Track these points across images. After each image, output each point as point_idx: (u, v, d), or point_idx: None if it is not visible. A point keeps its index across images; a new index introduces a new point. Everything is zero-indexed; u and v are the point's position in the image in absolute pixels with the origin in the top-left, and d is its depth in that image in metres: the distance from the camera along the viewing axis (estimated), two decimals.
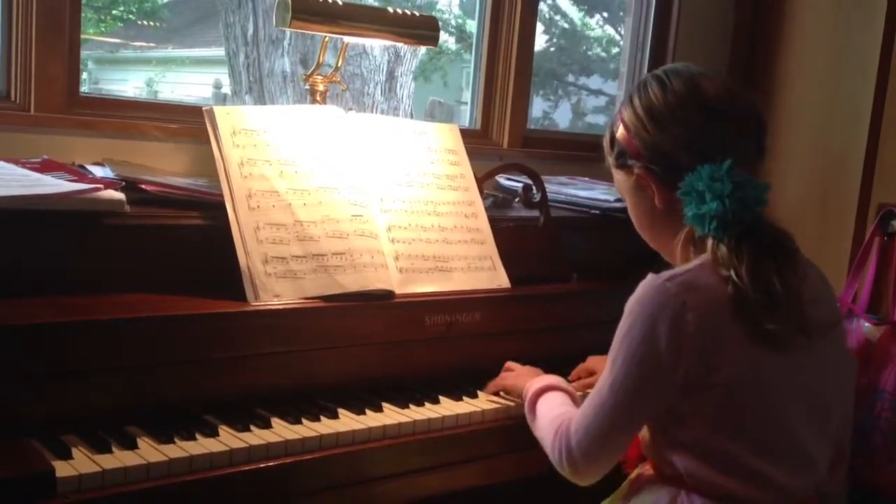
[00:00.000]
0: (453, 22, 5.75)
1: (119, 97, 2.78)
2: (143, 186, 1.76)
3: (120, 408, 1.49)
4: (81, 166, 1.92)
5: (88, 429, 1.43)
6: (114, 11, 6.03)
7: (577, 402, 1.58)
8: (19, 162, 1.78)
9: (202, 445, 1.44)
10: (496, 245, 2.03)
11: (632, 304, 1.40)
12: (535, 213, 2.18)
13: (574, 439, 1.43)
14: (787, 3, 3.04)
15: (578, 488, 1.48)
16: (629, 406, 1.39)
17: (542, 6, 4.07)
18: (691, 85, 1.45)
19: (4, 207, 1.48)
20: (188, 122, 2.14)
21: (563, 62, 6.58)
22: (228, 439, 1.48)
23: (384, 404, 1.70)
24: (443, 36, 2.47)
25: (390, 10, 2.11)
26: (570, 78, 6.47)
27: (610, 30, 6.36)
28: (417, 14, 2.14)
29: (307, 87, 2.08)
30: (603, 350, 1.50)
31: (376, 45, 3.30)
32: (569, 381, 1.89)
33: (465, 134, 2.23)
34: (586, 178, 2.72)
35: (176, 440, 1.45)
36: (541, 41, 5.74)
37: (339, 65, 2.14)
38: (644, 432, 1.48)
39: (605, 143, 1.57)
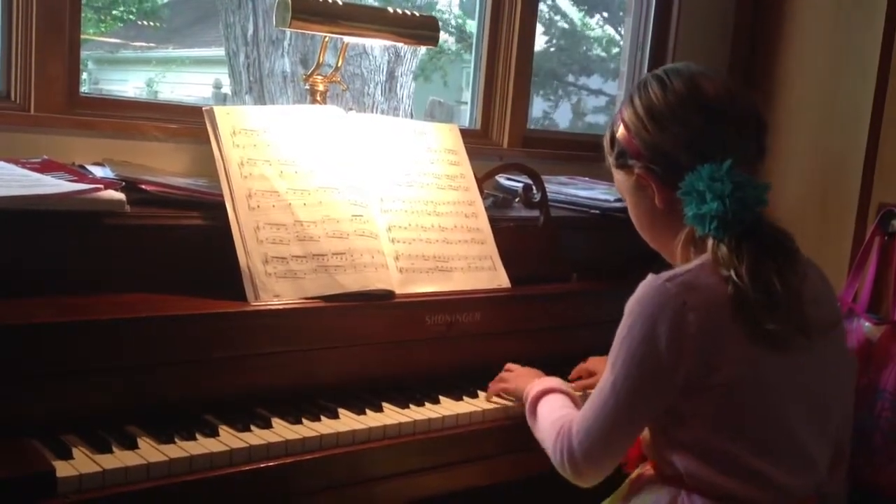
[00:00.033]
0: (453, 22, 5.75)
1: (119, 97, 2.78)
2: (144, 186, 1.76)
3: (120, 408, 1.49)
4: (81, 166, 1.92)
5: (89, 429, 1.43)
6: (114, 11, 6.03)
7: (577, 404, 1.58)
8: (19, 162, 1.78)
9: (202, 445, 1.44)
10: (496, 245, 2.03)
11: (632, 304, 1.40)
12: (535, 212, 2.18)
13: (576, 440, 1.43)
14: (788, 3, 3.04)
15: (579, 488, 1.48)
16: (630, 406, 1.39)
17: (542, 6, 4.07)
18: (691, 85, 1.45)
19: (4, 207, 1.48)
20: (188, 123, 2.14)
21: (564, 62, 6.58)
22: (229, 439, 1.48)
23: (384, 404, 1.70)
24: (443, 36, 2.47)
25: (390, 10, 2.11)
26: (570, 78, 6.47)
27: (610, 30, 6.36)
28: (417, 14, 2.14)
29: (307, 87, 2.08)
30: (603, 350, 1.50)
31: (376, 45, 3.31)
32: (569, 381, 1.90)
33: (465, 134, 2.23)
34: (586, 178, 2.72)
35: (176, 440, 1.45)
36: (541, 41, 5.75)
37: (340, 65, 2.14)
38: (644, 432, 1.48)
39: (606, 142, 1.57)
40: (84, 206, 1.58)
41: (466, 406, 1.76)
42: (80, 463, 1.33)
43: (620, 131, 1.51)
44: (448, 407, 1.75)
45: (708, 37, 3.16)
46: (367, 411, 1.66)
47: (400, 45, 2.74)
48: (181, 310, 1.56)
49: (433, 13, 3.06)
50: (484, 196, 2.12)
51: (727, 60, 3.17)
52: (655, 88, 1.46)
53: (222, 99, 4.24)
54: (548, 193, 2.21)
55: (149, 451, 1.40)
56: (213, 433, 1.49)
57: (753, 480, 1.38)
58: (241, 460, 1.45)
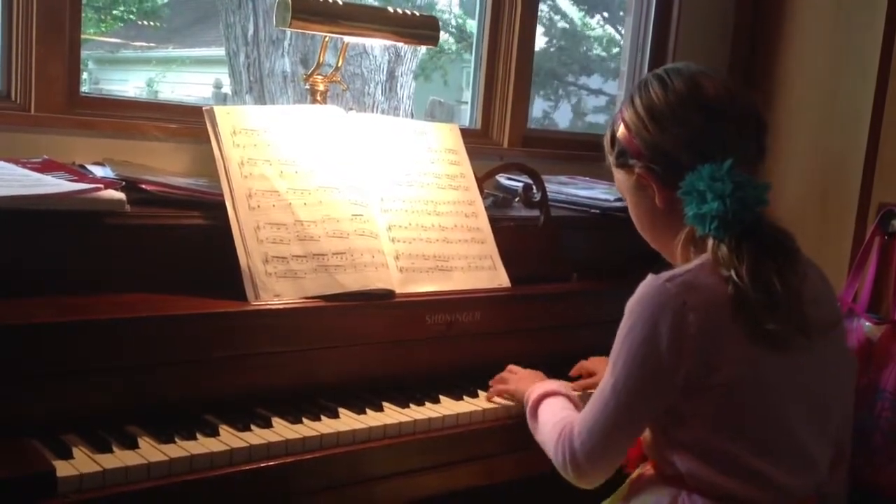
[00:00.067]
0: (453, 21, 5.75)
1: (119, 97, 2.78)
2: (144, 186, 1.76)
3: (120, 407, 1.49)
4: (82, 166, 1.92)
5: (89, 428, 1.43)
6: (114, 11, 6.03)
7: (578, 407, 1.58)
8: (20, 162, 1.78)
9: (203, 445, 1.44)
10: (496, 244, 2.03)
11: (632, 304, 1.40)
12: (536, 212, 2.18)
13: (577, 441, 1.42)
14: (788, 3, 3.04)
15: (579, 488, 1.48)
16: (631, 407, 1.39)
17: (543, 6, 4.07)
18: (692, 84, 1.45)
19: (5, 207, 1.48)
20: (188, 122, 2.14)
21: (564, 62, 6.58)
22: (229, 439, 1.48)
23: (385, 404, 1.70)
24: (443, 35, 2.47)
25: (390, 9, 2.11)
26: (571, 78, 6.47)
27: (610, 29, 6.36)
28: (418, 14, 2.14)
29: (307, 86, 2.08)
30: (603, 349, 1.50)
31: (377, 45, 3.30)
32: (569, 377, 1.90)
33: (466, 133, 2.23)
34: (586, 178, 2.72)
35: (176, 440, 1.45)
36: (541, 41, 5.74)
37: (340, 65, 2.14)
38: (645, 432, 1.48)
39: (606, 142, 1.57)
40: (84, 206, 1.58)
41: (467, 405, 1.76)
42: (81, 463, 1.33)
43: (621, 131, 1.51)
44: (448, 406, 1.75)
45: (708, 37, 3.16)
46: (368, 411, 1.66)
47: (400, 44, 2.74)
48: (181, 309, 1.56)
49: (433, 13, 3.06)
50: (484, 196, 2.12)
51: (727, 60, 3.17)
52: (656, 88, 1.46)
53: (222, 99, 4.24)
54: (548, 193, 2.21)
55: (149, 451, 1.40)
56: (214, 433, 1.49)
57: (754, 480, 1.38)
58: (241, 460, 1.45)
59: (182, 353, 1.54)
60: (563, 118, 6.38)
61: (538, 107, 5.96)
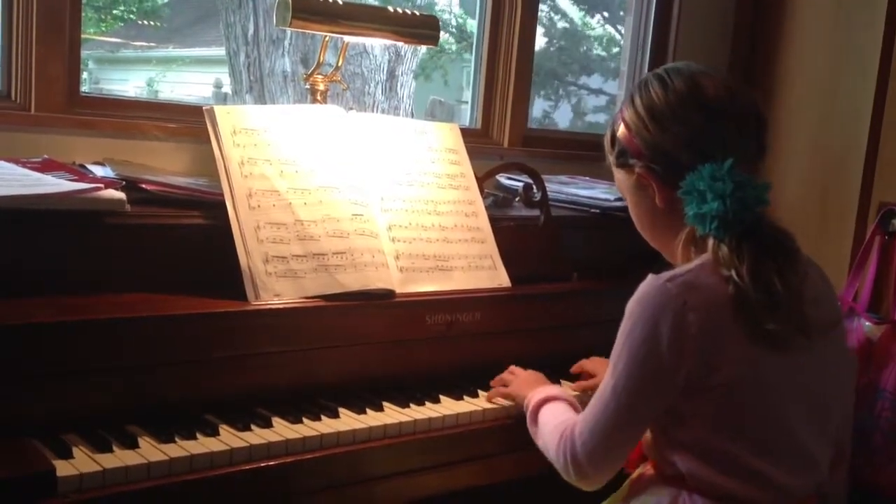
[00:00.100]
0: (454, 21, 5.75)
1: (119, 97, 2.78)
2: (144, 186, 1.76)
3: (120, 407, 1.49)
4: (82, 166, 1.92)
5: (89, 428, 1.43)
6: (114, 11, 6.03)
7: (578, 411, 1.57)
8: (20, 161, 1.78)
9: (203, 445, 1.44)
10: (497, 244, 2.02)
11: (632, 305, 1.39)
12: (536, 212, 2.18)
13: (579, 442, 1.42)
14: (788, 2, 3.04)
15: (579, 488, 1.48)
16: (632, 407, 1.39)
17: (542, 6, 4.07)
18: (692, 84, 1.45)
19: (5, 207, 1.48)
20: (189, 122, 2.14)
21: (564, 62, 6.58)
22: (229, 438, 1.48)
23: (385, 403, 1.70)
24: (443, 35, 2.47)
25: (391, 9, 2.11)
26: (571, 77, 6.47)
27: (610, 29, 6.36)
28: (418, 13, 2.14)
29: (308, 86, 2.08)
30: (604, 349, 1.50)
31: (377, 45, 3.31)
32: (570, 373, 1.89)
33: (466, 133, 2.23)
34: (587, 178, 2.72)
35: (177, 439, 1.45)
36: (541, 41, 5.74)
37: (340, 64, 2.14)
38: (645, 432, 1.48)
39: (606, 142, 1.57)
40: (84, 206, 1.58)
41: (467, 405, 1.76)
42: (81, 462, 1.33)
43: (621, 130, 1.51)
44: (448, 406, 1.75)
45: (708, 36, 3.16)
46: (368, 410, 1.66)
47: (400, 44, 2.74)
48: (181, 309, 1.56)
49: (433, 12, 3.06)
50: (484, 195, 2.11)
51: (727, 60, 3.17)
52: (656, 88, 1.46)
53: (223, 98, 4.24)
54: (548, 193, 2.21)
55: (149, 451, 1.40)
56: (214, 432, 1.49)
57: (754, 480, 1.38)
58: (241, 460, 1.45)
59: (182, 353, 1.54)
60: (563, 118, 6.38)
61: (538, 107, 5.96)
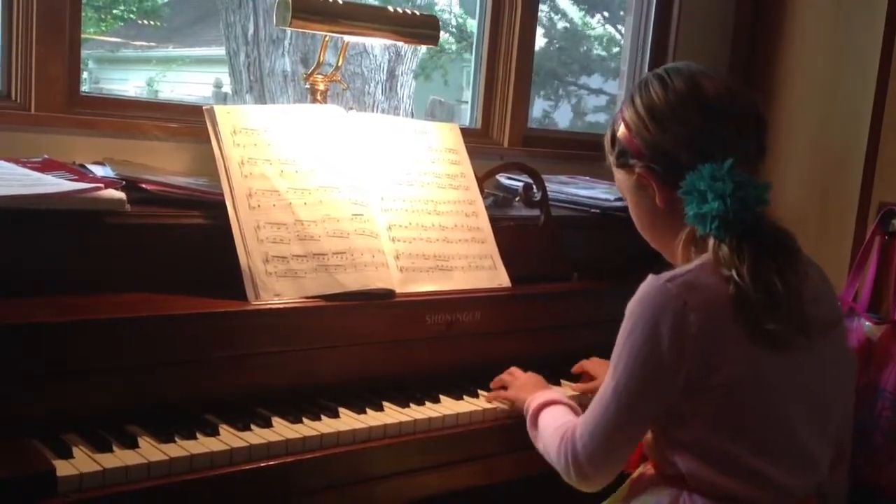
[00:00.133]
0: (454, 21, 5.75)
1: (119, 97, 2.79)
2: (144, 186, 1.76)
3: (120, 407, 1.49)
4: (82, 165, 1.92)
5: (89, 428, 1.43)
6: (114, 11, 6.03)
7: (578, 414, 1.57)
8: (20, 161, 1.78)
9: (203, 444, 1.44)
10: (497, 244, 2.02)
11: (633, 306, 1.39)
12: (536, 212, 2.18)
13: (580, 443, 1.42)
14: (788, 3, 3.04)
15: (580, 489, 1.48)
16: (632, 408, 1.39)
17: (543, 6, 4.07)
18: (692, 84, 1.45)
19: (5, 207, 1.48)
20: (189, 122, 2.14)
21: (564, 62, 6.58)
22: (229, 438, 1.48)
23: (385, 403, 1.70)
24: (443, 35, 2.47)
25: (391, 9, 2.11)
26: (571, 77, 6.47)
27: (610, 29, 6.36)
28: (418, 13, 2.14)
29: (308, 86, 2.08)
30: (604, 349, 1.50)
31: (377, 45, 3.30)
32: (570, 373, 1.89)
33: (466, 133, 2.23)
34: (587, 178, 2.72)
35: (176, 439, 1.45)
36: (541, 41, 5.74)
37: (340, 64, 2.14)
38: None
39: (606, 142, 1.57)
40: (84, 206, 1.58)
41: (467, 405, 1.76)
42: (81, 462, 1.33)
43: (621, 130, 1.51)
44: (448, 406, 1.75)
45: (708, 36, 3.16)
46: (368, 410, 1.66)
47: (400, 44, 2.74)
48: (181, 309, 1.56)
49: (433, 12, 3.06)
50: (484, 195, 2.11)
51: (727, 60, 3.17)
52: (656, 88, 1.46)
53: (223, 98, 4.24)
54: (548, 192, 2.21)
55: (149, 451, 1.40)
56: (214, 432, 1.49)
57: (754, 480, 1.38)
58: (241, 459, 1.45)
59: (182, 353, 1.54)
60: (563, 118, 6.38)
61: (538, 107, 5.96)
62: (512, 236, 2.07)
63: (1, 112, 1.94)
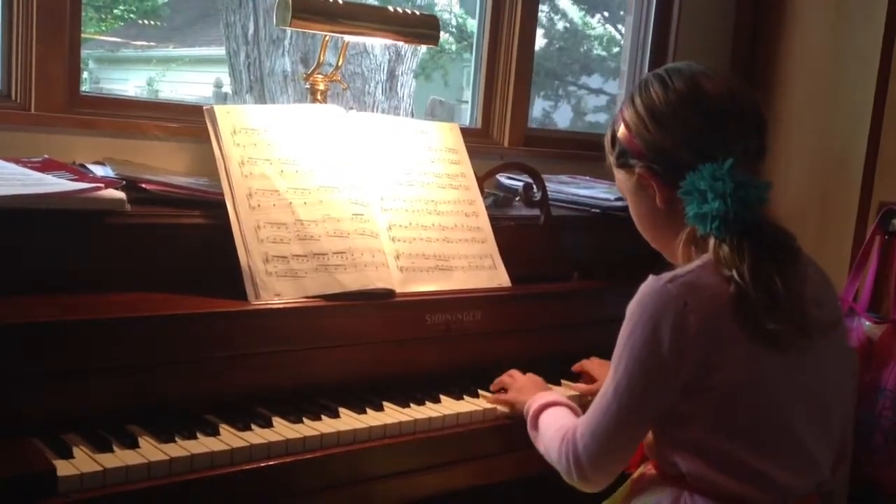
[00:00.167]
0: (454, 21, 5.75)
1: (120, 96, 2.78)
2: (144, 186, 1.76)
3: (121, 407, 1.49)
4: (82, 165, 1.92)
5: (89, 428, 1.43)
6: (114, 10, 6.03)
7: (579, 415, 1.57)
8: (20, 161, 1.78)
9: (203, 444, 1.44)
10: (497, 244, 2.02)
11: (633, 306, 1.39)
12: (536, 211, 2.18)
13: (581, 444, 1.42)
14: (788, 3, 3.04)
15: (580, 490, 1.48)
16: (633, 408, 1.39)
17: (543, 6, 4.07)
18: (692, 84, 1.45)
19: (5, 206, 1.48)
20: (189, 122, 2.14)
21: (564, 61, 6.58)
22: (229, 438, 1.48)
23: (385, 403, 1.70)
24: (443, 35, 2.47)
25: (391, 8, 2.11)
26: (571, 77, 6.47)
27: (610, 29, 6.35)
28: (418, 13, 2.14)
29: (308, 86, 2.08)
30: (604, 349, 1.50)
31: (377, 44, 3.30)
32: (571, 371, 1.89)
33: (466, 133, 2.23)
34: (587, 177, 2.72)
35: (177, 439, 1.45)
36: (541, 41, 5.74)
37: (340, 64, 2.14)
38: None
39: (607, 142, 1.56)
40: (85, 205, 1.58)
41: (467, 405, 1.76)
42: (81, 462, 1.33)
43: (621, 131, 1.51)
44: (449, 406, 1.75)
45: (708, 36, 3.16)
46: (368, 410, 1.66)
47: (400, 44, 2.74)
48: (182, 309, 1.56)
49: (434, 12, 3.06)
50: (484, 195, 2.11)
51: (728, 60, 3.17)
52: (657, 88, 1.46)
53: (223, 98, 4.24)
54: (548, 192, 2.21)
55: (150, 451, 1.40)
56: (214, 432, 1.49)
57: (754, 480, 1.38)
58: (241, 459, 1.45)
59: (182, 353, 1.54)
60: (563, 118, 6.38)
61: (538, 107, 5.96)
62: (512, 236, 2.07)
63: (1, 112, 1.94)
